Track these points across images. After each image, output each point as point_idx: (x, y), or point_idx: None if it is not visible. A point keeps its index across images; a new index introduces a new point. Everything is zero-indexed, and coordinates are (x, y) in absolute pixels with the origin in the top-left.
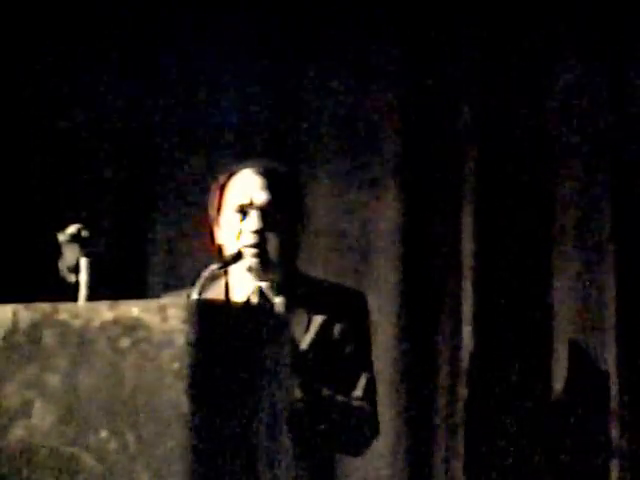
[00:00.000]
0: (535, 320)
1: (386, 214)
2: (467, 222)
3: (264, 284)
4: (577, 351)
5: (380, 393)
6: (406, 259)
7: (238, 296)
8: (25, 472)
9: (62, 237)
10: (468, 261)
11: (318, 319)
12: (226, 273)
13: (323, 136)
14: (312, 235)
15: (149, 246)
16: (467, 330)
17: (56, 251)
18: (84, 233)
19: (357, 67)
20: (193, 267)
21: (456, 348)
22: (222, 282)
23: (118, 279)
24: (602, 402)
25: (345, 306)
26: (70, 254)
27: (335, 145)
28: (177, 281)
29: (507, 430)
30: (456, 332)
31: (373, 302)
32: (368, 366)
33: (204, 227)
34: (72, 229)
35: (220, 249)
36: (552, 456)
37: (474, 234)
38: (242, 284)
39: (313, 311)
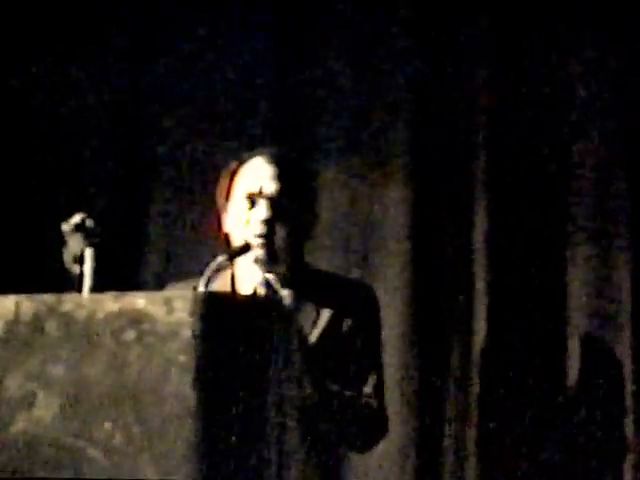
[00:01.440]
0: (549, 314)
1: (395, 208)
2: (479, 216)
3: (271, 276)
4: (592, 346)
5: (389, 390)
6: (415, 254)
7: (245, 288)
8: (28, 464)
9: (66, 227)
10: (480, 255)
11: (326, 313)
12: (233, 265)
13: (331, 128)
14: (317, 229)
15: (145, 237)
16: (479, 325)
17: (60, 241)
18: (88, 223)
19: (366, 61)
20: (189, 259)
21: (468, 343)
22: (228, 274)
23: (114, 269)
24: (617, 398)
25: (354, 300)
26: (74, 244)
27: (343, 137)
28: (172, 274)
29: (520, 426)
30: (468, 327)
31: (380, 297)
32: (377, 361)
33: (208, 215)
34: (76, 219)
35: (227, 237)
36: (566, 452)
37: (486, 227)
38: (249, 276)
39: (321, 304)
